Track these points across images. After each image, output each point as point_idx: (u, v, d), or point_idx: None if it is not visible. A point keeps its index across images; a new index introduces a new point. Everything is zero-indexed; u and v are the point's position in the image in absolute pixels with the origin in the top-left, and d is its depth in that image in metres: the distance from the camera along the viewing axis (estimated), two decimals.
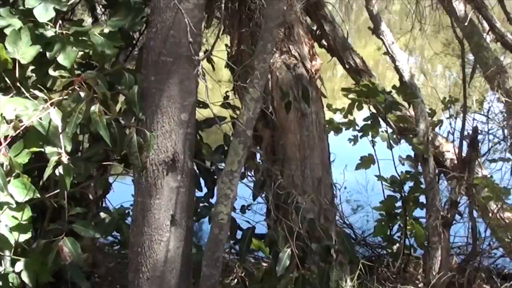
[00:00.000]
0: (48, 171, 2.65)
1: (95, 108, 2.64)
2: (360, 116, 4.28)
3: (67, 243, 2.73)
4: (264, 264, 3.97)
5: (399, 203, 4.01)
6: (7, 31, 3.00)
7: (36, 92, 2.84)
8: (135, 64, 3.81)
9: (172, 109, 2.74)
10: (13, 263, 3.02)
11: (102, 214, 3.01)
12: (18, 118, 2.71)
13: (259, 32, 3.34)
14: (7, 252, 3.03)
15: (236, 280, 3.72)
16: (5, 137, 2.66)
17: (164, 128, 2.74)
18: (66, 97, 2.72)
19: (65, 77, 2.80)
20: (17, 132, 2.67)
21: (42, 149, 2.78)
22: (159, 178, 2.74)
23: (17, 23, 3.04)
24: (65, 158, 2.67)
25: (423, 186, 3.93)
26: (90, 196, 3.66)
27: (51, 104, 2.73)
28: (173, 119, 2.74)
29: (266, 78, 2.77)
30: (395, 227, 4.11)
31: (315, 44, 3.85)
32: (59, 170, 2.69)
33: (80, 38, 3.08)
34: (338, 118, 4.42)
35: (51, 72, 2.91)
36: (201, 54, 2.94)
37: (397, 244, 4.08)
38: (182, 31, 2.73)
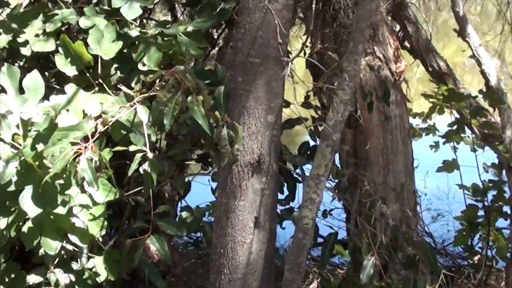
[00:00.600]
0: (133, 168, 2.71)
1: (192, 98, 2.69)
2: (438, 121, 4.25)
3: (154, 241, 2.79)
4: (341, 271, 3.98)
5: (481, 212, 3.93)
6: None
7: (123, 88, 2.92)
8: (215, 62, 3.92)
9: (259, 111, 2.77)
10: (88, 260, 3.12)
11: (184, 213, 3.09)
12: (105, 113, 2.80)
13: (343, 33, 3.41)
14: (84, 249, 3.18)
15: (312, 286, 3.70)
16: (93, 133, 2.71)
17: (250, 129, 2.78)
18: (156, 92, 2.75)
19: (154, 72, 2.86)
20: (106, 127, 2.75)
21: (126, 147, 2.85)
22: (244, 180, 2.78)
23: (101, 22, 3.14)
24: (150, 155, 2.74)
25: (507, 195, 3.84)
26: (166, 195, 3.79)
27: (139, 101, 2.80)
28: (259, 120, 2.78)
29: (355, 80, 2.78)
30: (476, 237, 4.05)
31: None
32: (144, 167, 2.76)
33: (164, 38, 3.17)
34: (416, 122, 4.41)
35: (140, 66, 3.01)
36: None
37: (478, 255, 4.01)
38: (270, 32, 2.76)
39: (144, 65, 3.01)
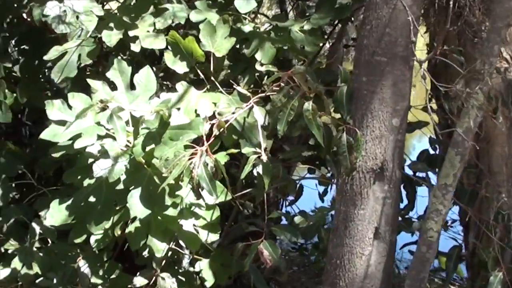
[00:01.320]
0: (246, 171, 2.67)
1: (308, 105, 2.62)
2: None
3: (267, 246, 2.74)
4: None
5: None
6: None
7: (239, 89, 2.90)
8: (326, 60, 3.86)
9: (384, 113, 2.68)
10: (192, 262, 3.14)
11: (297, 218, 3.02)
12: (221, 115, 2.77)
13: (468, 32, 3.24)
14: (186, 251, 3.17)
15: None
16: (207, 136, 2.67)
17: (374, 133, 2.68)
18: (273, 93, 2.73)
19: (273, 72, 2.79)
20: (221, 130, 2.71)
21: (238, 150, 2.83)
22: (365, 187, 2.70)
23: (214, 17, 3.11)
24: (264, 157, 2.69)
25: None
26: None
27: (255, 102, 2.77)
28: (384, 123, 2.68)
29: (489, 83, 2.64)
30: None
31: None
32: (257, 170, 2.73)
33: (279, 34, 3.13)
34: None
35: (257, 67, 2.96)
36: None
37: None
38: (398, 29, 2.67)
39: (261, 65, 2.95)
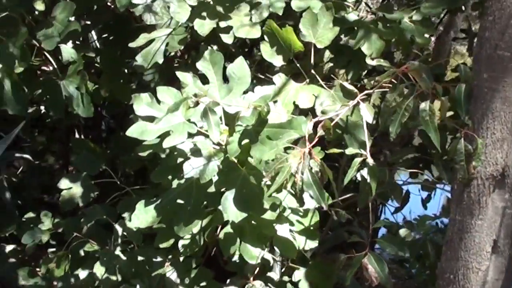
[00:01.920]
0: (350, 175, 2.67)
1: (425, 105, 2.61)
2: None
3: (372, 261, 2.75)
4: None
5: None
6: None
7: (346, 85, 2.92)
8: (433, 54, 3.88)
9: (506, 114, 2.64)
10: (286, 270, 3.24)
11: (403, 231, 3.03)
12: (324, 113, 2.79)
13: None
14: (278, 258, 3.24)
15: None
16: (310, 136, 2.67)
17: (494, 135, 2.65)
18: (382, 89, 2.74)
19: (386, 68, 2.78)
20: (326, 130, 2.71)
21: (341, 150, 2.81)
22: (484, 195, 2.67)
23: (316, 4, 3.15)
24: (370, 160, 2.69)
25: None
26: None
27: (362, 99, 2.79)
28: (506, 126, 2.64)
29: None
30: None
31: None
32: (362, 173, 2.73)
33: (387, 24, 3.16)
34: None
35: (368, 61, 2.99)
36: None
37: None
38: None
39: (372, 59, 2.97)
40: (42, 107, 4.26)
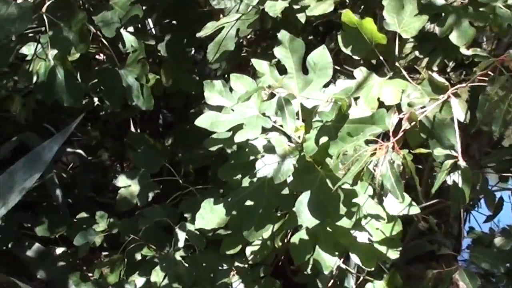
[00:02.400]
0: (441, 179, 2.63)
1: None
2: None
3: (464, 276, 2.74)
4: None
5: None
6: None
7: (435, 76, 2.87)
8: None
9: None
10: (362, 283, 3.24)
11: (499, 240, 2.98)
12: (411, 106, 2.78)
13: None
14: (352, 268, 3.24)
15: None
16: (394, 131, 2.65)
17: None
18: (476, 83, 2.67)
19: (482, 57, 2.75)
20: (413, 124, 2.69)
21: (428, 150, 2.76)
22: None
23: None
24: (463, 162, 2.64)
25: None
26: None
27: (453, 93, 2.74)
28: None
29: None
30: None
31: None
32: (453, 177, 2.67)
33: (479, 9, 3.08)
34: None
35: (463, 50, 2.93)
36: None
37: None
38: None
39: (467, 48, 2.91)
40: (96, 99, 4.31)
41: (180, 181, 3.65)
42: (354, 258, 2.97)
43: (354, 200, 2.80)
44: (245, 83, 2.98)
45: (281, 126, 2.83)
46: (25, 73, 3.44)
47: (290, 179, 2.84)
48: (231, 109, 2.90)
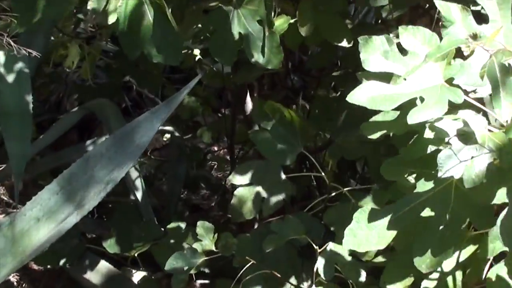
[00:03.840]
0: None
1: None
2: None
3: None
4: None
5: None
6: None
7: None
8: None
9: None
10: None
11: None
12: None
13: None
14: None
15: None
16: None
17: None
18: None
19: None
20: None
21: None
22: None
23: None
24: None
25: None
26: None
27: None
28: None
29: None
30: None
31: None
32: None
33: None
34: None
35: None
36: None
37: None
38: None
39: None
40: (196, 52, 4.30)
41: (326, 179, 3.52)
42: None
43: None
44: (422, 37, 2.87)
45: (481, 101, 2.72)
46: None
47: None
48: (402, 78, 2.78)
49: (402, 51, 2.87)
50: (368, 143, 3.17)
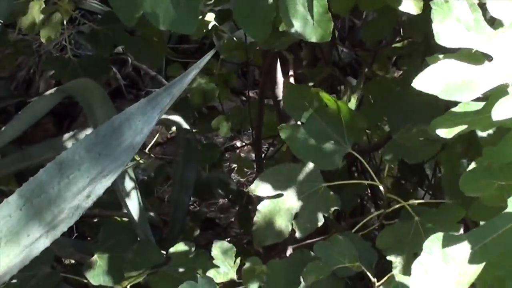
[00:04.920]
0: None
1: None
2: None
3: None
4: None
5: None
6: None
7: None
8: None
9: None
10: None
11: None
12: None
13: None
14: None
15: None
16: None
17: None
18: None
19: None
20: None
21: None
22: None
23: None
24: None
25: None
26: None
27: None
28: None
29: None
30: None
31: None
32: None
33: None
34: None
35: None
36: None
37: None
38: None
39: None
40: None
41: (382, 189, 3.42)
42: None
43: None
44: None
45: None
46: None
47: None
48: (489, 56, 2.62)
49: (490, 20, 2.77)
50: (438, 140, 3.07)
